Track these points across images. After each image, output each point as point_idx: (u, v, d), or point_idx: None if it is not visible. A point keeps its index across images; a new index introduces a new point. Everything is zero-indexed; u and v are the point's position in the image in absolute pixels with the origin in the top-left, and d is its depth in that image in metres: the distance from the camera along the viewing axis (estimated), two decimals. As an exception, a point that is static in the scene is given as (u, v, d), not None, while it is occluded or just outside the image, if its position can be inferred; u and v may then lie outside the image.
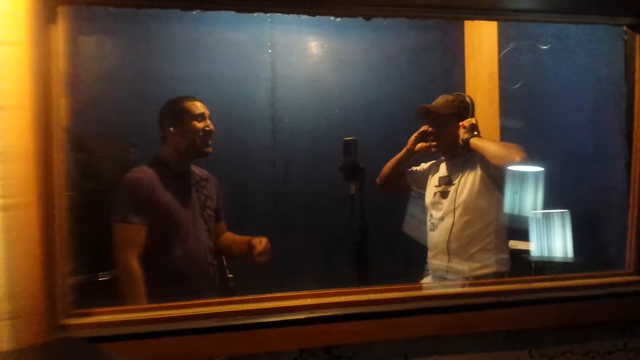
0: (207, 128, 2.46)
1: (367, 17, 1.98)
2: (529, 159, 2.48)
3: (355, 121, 3.55)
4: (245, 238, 2.61)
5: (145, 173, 2.40)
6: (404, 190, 3.04)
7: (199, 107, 2.48)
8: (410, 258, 2.89)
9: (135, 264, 2.29)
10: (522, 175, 2.59)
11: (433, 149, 2.83)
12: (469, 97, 2.81)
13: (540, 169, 2.59)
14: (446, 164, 2.85)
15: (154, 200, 2.36)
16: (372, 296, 1.92)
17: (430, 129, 2.80)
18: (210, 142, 2.48)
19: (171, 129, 2.46)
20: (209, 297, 1.92)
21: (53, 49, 1.66)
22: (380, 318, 1.84)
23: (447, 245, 2.68)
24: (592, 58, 3.40)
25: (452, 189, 2.72)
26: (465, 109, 2.76)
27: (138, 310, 1.77)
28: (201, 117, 2.46)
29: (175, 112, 2.47)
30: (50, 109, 1.64)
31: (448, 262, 2.67)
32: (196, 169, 2.60)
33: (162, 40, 3.29)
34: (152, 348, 1.66)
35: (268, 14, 1.88)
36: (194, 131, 2.44)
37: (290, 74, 3.58)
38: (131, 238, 2.31)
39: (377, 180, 3.00)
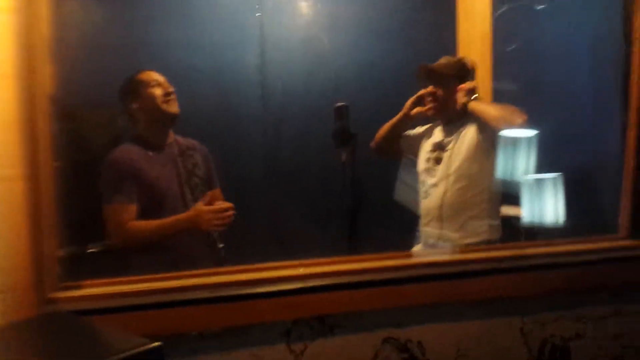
0: (167, 91, 2.44)
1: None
2: (528, 121, 2.45)
3: (347, 85, 3.49)
4: None
5: (124, 151, 2.41)
6: (398, 155, 2.99)
7: (152, 75, 2.46)
8: (403, 225, 2.88)
9: (132, 224, 2.31)
10: (515, 140, 2.56)
11: (430, 112, 2.78)
12: (471, 61, 2.77)
13: (533, 132, 2.57)
14: (442, 128, 2.80)
15: (137, 175, 2.35)
16: (365, 264, 1.92)
17: (429, 89, 2.75)
18: (174, 103, 2.46)
19: (133, 105, 2.45)
20: (200, 268, 1.90)
21: (37, 14, 1.61)
22: (374, 286, 1.84)
23: (440, 213, 2.66)
24: (589, 18, 3.35)
25: (446, 155, 2.69)
26: (466, 72, 2.71)
27: (128, 282, 1.75)
28: (156, 82, 2.44)
29: (131, 87, 2.46)
30: (35, 77, 1.60)
31: (441, 229, 2.66)
32: (181, 139, 2.57)
33: (149, 3, 3.21)
34: (142, 320, 1.65)
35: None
36: (154, 97, 2.42)
37: (280, 35, 3.50)
38: (121, 216, 2.31)
39: (372, 144, 2.94)
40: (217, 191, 2.66)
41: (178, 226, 2.35)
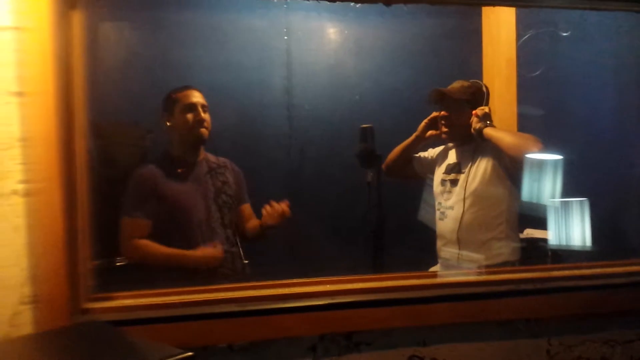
0: (198, 118, 2.47)
1: (388, 3, 1.96)
2: (545, 149, 2.44)
3: (372, 108, 3.52)
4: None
5: (149, 169, 2.46)
6: (410, 177, 2.98)
7: (190, 97, 2.49)
8: (428, 245, 2.87)
9: (141, 242, 2.37)
10: (541, 163, 2.56)
11: (444, 136, 2.77)
12: (485, 85, 2.76)
13: (559, 157, 2.56)
14: (456, 150, 2.79)
15: (158, 192, 2.41)
16: (392, 283, 1.93)
17: (442, 113, 2.74)
18: (203, 130, 2.49)
19: (167, 121, 2.52)
20: (224, 283, 1.92)
21: (74, 36, 1.67)
22: (400, 305, 1.84)
23: (457, 235, 2.64)
24: (613, 45, 3.36)
25: (462, 177, 2.67)
26: (480, 96, 2.70)
27: (159, 294, 1.78)
28: (192, 107, 2.47)
29: (167, 104, 2.52)
30: (72, 95, 1.65)
31: (458, 251, 2.64)
32: (212, 157, 2.61)
33: (180, 27, 3.28)
34: (172, 332, 1.67)
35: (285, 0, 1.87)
36: (185, 121, 2.47)
37: (307, 60, 3.55)
38: (135, 231, 2.37)
39: (383, 166, 2.88)
40: (247, 206, 2.72)
41: (183, 262, 2.40)
